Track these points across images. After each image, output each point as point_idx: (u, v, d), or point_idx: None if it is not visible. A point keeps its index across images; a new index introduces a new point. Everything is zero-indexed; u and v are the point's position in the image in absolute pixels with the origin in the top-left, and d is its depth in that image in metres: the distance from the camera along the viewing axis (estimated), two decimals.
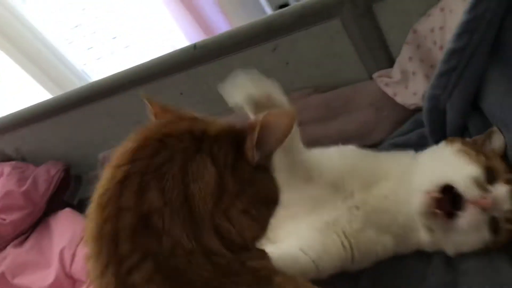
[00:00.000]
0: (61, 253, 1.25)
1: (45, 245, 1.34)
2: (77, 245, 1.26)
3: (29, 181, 1.40)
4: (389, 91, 1.10)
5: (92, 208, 0.48)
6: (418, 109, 1.09)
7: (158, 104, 0.59)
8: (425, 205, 0.73)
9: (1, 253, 1.33)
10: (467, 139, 0.84)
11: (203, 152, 0.49)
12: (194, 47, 1.16)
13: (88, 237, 0.47)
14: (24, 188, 1.38)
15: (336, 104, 1.14)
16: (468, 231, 0.72)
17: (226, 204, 0.49)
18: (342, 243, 0.76)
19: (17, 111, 1.47)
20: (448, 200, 0.73)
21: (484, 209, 0.70)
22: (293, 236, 0.77)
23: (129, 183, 0.47)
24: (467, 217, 0.71)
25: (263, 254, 0.55)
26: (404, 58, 1.07)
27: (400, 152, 0.90)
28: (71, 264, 1.23)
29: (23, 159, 1.56)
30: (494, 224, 0.72)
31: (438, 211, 0.72)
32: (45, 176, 1.43)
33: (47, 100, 1.45)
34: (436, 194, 0.73)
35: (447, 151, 0.80)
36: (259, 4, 1.80)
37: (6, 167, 1.47)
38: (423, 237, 0.78)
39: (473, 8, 0.74)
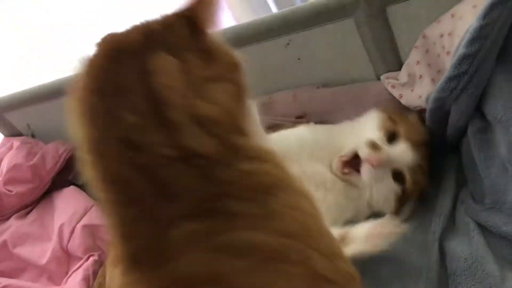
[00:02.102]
0: (60, 228, 1.27)
1: (47, 219, 1.37)
2: (77, 222, 1.29)
3: (37, 156, 1.43)
4: (395, 92, 1.13)
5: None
6: (421, 111, 1.12)
7: None
8: (336, 166, 0.93)
9: (5, 223, 1.36)
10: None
11: (154, 48, 0.45)
12: None
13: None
14: (32, 162, 1.42)
15: (342, 99, 1.16)
16: (371, 183, 0.91)
17: (198, 85, 0.45)
18: None
19: (29, 88, 1.48)
20: (354, 161, 0.92)
21: (376, 164, 0.88)
22: None
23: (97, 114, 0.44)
24: (363, 172, 0.90)
25: (266, 154, 0.49)
26: (412, 61, 1.09)
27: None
28: (68, 240, 1.26)
29: (33, 136, 1.58)
30: (399, 175, 0.90)
31: (346, 170, 0.93)
32: (53, 153, 1.46)
33: (61, 78, 1.44)
34: (345, 158, 0.93)
35: (369, 119, 0.99)
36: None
37: (16, 141, 1.50)
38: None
39: (487, 14, 0.76)
